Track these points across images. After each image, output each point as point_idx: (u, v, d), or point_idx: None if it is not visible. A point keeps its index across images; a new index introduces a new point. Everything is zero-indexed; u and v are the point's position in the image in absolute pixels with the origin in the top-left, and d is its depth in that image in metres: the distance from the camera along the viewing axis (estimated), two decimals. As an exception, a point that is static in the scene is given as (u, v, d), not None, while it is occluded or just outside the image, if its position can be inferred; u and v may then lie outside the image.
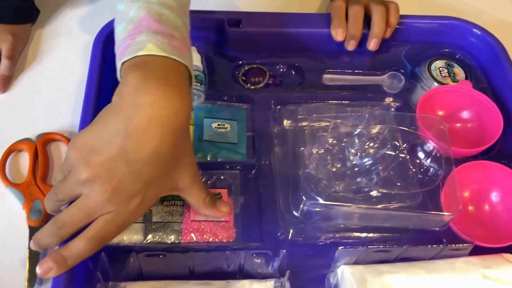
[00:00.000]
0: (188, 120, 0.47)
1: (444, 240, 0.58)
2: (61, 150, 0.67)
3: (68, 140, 0.67)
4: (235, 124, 0.64)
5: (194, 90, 0.65)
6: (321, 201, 0.53)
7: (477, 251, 0.57)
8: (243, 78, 0.69)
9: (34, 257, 0.57)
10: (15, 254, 0.57)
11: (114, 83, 0.50)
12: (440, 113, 0.69)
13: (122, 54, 0.47)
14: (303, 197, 0.54)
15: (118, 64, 0.48)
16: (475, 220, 0.62)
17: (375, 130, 0.60)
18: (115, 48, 0.50)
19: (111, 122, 0.44)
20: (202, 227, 0.55)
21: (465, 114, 0.69)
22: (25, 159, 0.66)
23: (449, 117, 0.68)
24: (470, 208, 0.63)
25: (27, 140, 0.66)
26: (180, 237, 0.54)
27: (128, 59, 0.46)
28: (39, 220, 0.59)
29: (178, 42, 0.48)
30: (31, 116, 0.70)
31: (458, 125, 0.69)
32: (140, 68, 0.45)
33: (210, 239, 0.54)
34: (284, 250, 0.53)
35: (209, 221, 0.55)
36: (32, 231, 0.59)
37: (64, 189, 0.47)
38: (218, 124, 0.63)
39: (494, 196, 0.62)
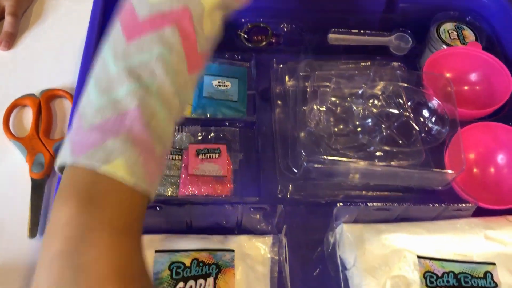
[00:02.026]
0: (143, 271, 0.36)
1: (447, 201, 0.57)
2: (65, 106, 0.67)
3: (71, 96, 0.66)
4: (236, 82, 0.63)
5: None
6: (321, 156, 0.52)
7: (481, 213, 0.56)
8: (246, 36, 0.68)
9: (36, 208, 0.57)
10: (18, 205, 0.58)
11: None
12: (448, 75, 0.67)
13: (79, 150, 0.36)
14: (303, 152, 0.53)
15: (67, 154, 0.36)
16: (479, 183, 0.60)
17: (379, 87, 0.58)
18: (75, 115, 0.39)
19: (49, 275, 0.32)
20: (200, 181, 0.54)
21: (473, 76, 0.67)
22: (28, 114, 0.66)
23: (457, 79, 0.66)
24: (475, 170, 0.61)
25: (31, 96, 0.67)
26: (177, 190, 0.53)
27: (80, 166, 0.35)
28: (41, 172, 0.59)
29: (155, 162, 0.37)
30: (35, 72, 0.70)
31: (466, 87, 0.67)
32: (85, 204, 0.34)
33: (208, 193, 0.54)
34: (282, 205, 0.53)
35: (207, 176, 0.55)
36: (35, 183, 0.59)
37: None
38: (219, 82, 0.62)
39: (500, 159, 0.61)
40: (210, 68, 0.64)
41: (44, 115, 0.65)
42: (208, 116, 0.59)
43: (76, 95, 0.59)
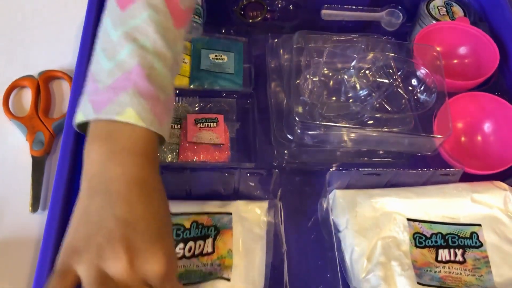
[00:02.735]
0: (161, 186, 0.43)
1: (435, 167, 0.59)
2: (63, 87, 0.69)
3: (69, 77, 0.68)
4: (232, 55, 0.65)
5: (193, 24, 0.66)
6: (315, 122, 0.54)
7: (468, 179, 0.59)
8: (241, 12, 0.70)
9: (37, 184, 0.59)
10: (20, 182, 0.60)
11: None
12: (438, 48, 0.69)
13: (99, 108, 0.43)
14: (297, 119, 0.55)
15: (90, 111, 0.43)
16: (467, 150, 0.63)
17: (369, 57, 0.60)
18: (90, 79, 0.45)
19: (92, 206, 0.40)
20: (199, 148, 0.56)
21: (462, 50, 0.69)
22: (27, 95, 0.67)
23: (446, 53, 0.68)
24: (463, 139, 0.64)
25: (29, 77, 0.68)
26: (177, 157, 0.55)
27: (102, 119, 0.42)
28: (42, 150, 0.61)
29: (160, 107, 0.44)
30: (33, 54, 0.71)
31: (455, 61, 0.69)
32: (108, 140, 0.42)
33: (206, 159, 0.56)
34: (277, 170, 0.55)
35: (205, 144, 0.57)
36: (35, 160, 0.61)
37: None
38: (216, 55, 0.64)
39: (487, 127, 0.63)
40: (207, 42, 0.65)
41: (43, 96, 0.67)
42: (206, 87, 0.61)
43: (76, 73, 0.60)
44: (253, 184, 0.58)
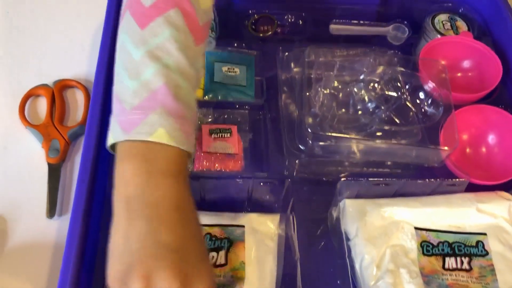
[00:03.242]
0: (194, 207, 0.44)
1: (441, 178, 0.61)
2: (77, 96, 0.71)
3: (83, 86, 0.70)
4: (244, 68, 0.67)
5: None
6: (326, 133, 0.56)
7: (473, 189, 0.60)
8: (253, 26, 0.72)
9: (54, 190, 0.61)
10: (36, 188, 0.61)
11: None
12: (443, 63, 0.71)
13: (129, 128, 0.43)
14: (309, 130, 0.57)
15: (119, 133, 0.43)
16: (472, 161, 0.65)
17: (378, 71, 0.62)
18: (115, 100, 0.45)
19: (132, 230, 0.40)
20: (213, 158, 0.58)
21: (465, 64, 0.71)
22: (42, 103, 0.69)
23: (450, 67, 0.70)
24: (468, 150, 0.66)
25: (44, 86, 0.70)
26: (192, 166, 0.57)
27: (132, 140, 0.43)
28: (57, 157, 0.63)
29: (188, 125, 0.45)
30: (48, 63, 0.73)
31: (459, 74, 0.72)
32: (142, 161, 0.42)
33: (221, 169, 0.58)
34: (289, 179, 0.57)
35: (220, 153, 0.59)
36: (51, 167, 0.63)
37: None
38: (228, 68, 0.66)
39: (491, 139, 0.65)
40: (220, 55, 0.68)
41: (58, 104, 0.68)
42: (219, 99, 0.63)
43: (96, 83, 0.60)
44: (265, 195, 0.60)
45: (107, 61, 0.62)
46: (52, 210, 0.60)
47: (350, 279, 0.53)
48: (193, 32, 0.48)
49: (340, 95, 0.64)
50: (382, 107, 0.61)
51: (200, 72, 0.50)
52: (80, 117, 0.68)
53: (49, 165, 0.63)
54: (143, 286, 0.38)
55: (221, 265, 0.53)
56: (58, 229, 0.58)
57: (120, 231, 0.40)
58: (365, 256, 0.55)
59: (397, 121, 0.61)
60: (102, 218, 0.54)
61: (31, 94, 0.69)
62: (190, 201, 0.43)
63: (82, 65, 0.72)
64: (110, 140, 0.45)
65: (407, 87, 0.63)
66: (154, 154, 0.42)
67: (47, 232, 0.58)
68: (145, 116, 0.43)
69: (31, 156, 0.64)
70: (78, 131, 0.65)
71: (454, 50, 0.71)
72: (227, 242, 0.55)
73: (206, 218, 0.56)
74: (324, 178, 0.61)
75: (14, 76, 0.71)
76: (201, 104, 0.63)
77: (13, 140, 0.65)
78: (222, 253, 0.54)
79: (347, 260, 0.55)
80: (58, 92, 0.69)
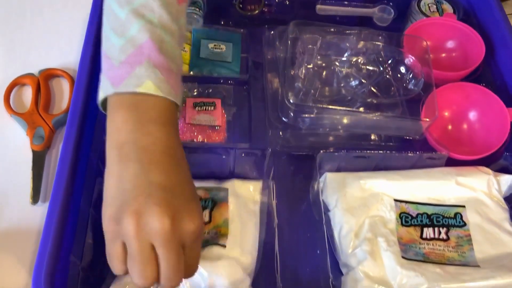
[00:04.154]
0: (184, 154, 0.45)
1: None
2: (62, 85, 0.71)
3: (69, 76, 0.70)
4: (230, 45, 0.68)
5: (194, 16, 0.70)
6: (309, 104, 0.57)
7: (454, 165, 0.61)
8: (240, 5, 0.73)
9: (38, 177, 0.62)
10: (20, 175, 0.62)
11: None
12: (424, 41, 0.72)
13: (117, 82, 0.45)
14: (291, 101, 0.58)
15: (108, 87, 0.45)
16: (453, 138, 0.65)
17: (360, 46, 0.63)
18: (104, 59, 0.47)
19: (125, 172, 0.41)
20: (197, 129, 0.59)
21: (449, 44, 0.72)
22: (28, 92, 0.70)
23: (435, 47, 0.72)
24: (449, 127, 0.66)
25: (30, 75, 0.70)
26: (175, 137, 0.58)
27: (121, 93, 0.44)
28: (42, 144, 0.64)
29: (174, 78, 0.46)
30: (34, 53, 0.74)
31: (443, 54, 0.72)
32: (133, 110, 0.44)
33: (204, 140, 0.59)
34: (270, 150, 0.58)
35: (203, 125, 0.60)
36: (35, 154, 0.63)
37: (137, 256, 0.40)
38: (214, 45, 0.67)
39: (472, 116, 0.66)
40: (207, 33, 0.69)
41: (43, 93, 0.69)
42: (204, 74, 0.64)
43: (80, 71, 0.60)
44: (247, 166, 0.61)
45: (92, 50, 0.61)
46: (35, 196, 0.60)
47: (327, 248, 0.54)
48: None
49: (324, 71, 0.65)
50: (364, 81, 0.62)
51: (184, 29, 0.52)
52: (65, 105, 0.68)
53: (34, 152, 0.63)
54: (135, 221, 0.39)
55: (205, 223, 0.54)
56: (41, 215, 0.59)
57: (113, 174, 0.42)
58: (344, 225, 0.56)
59: (379, 95, 0.62)
60: (78, 222, 0.54)
61: (16, 83, 0.70)
62: (180, 148, 0.44)
63: (69, 55, 0.73)
64: (100, 95, 0.46)
65: (389, 62, 0.64)
66: (143, 103, 0.44)
67: (31, 218, 0.59)
68: (132, 69, 0.44)
69: (16, 143, 0.65)
70: (62, 119, 0.66)
71: (438, 31, 0.71)
72: (211, 202, 0.56)
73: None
74: (306, 152, 0.62)
75: (0, 66, 0.72)
76: (186, 79, 0.64)
77: (-3, 128, 0.66)
78: (206, 211, 0.55)
79: (326, 230, 0.56)
80: (43, 81, 0.70)
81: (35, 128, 0.65)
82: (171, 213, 0.40)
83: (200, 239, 0.43)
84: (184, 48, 0.67)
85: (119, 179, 0.41)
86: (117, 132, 0.43)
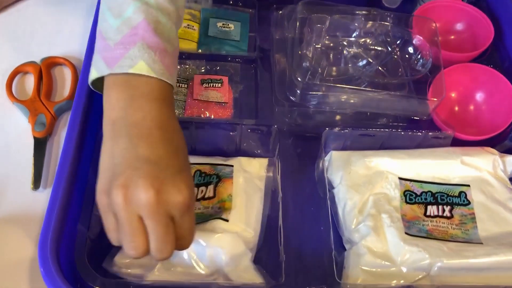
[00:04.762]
0: (179, 127, 0.47)
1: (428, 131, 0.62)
2: (64, 73, 0.72)
3: (71, 64, 0.70)
4: (239, 25, 0.69)
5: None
6: (316, 82, 0.58)
7: (461, 145, 0.61)
8: (249, -15, 0.74)
9: (39, 163, 0.62)
10: (22, 161, 0.62)
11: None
12: (433, 22, 0.72)
13: (112, 63, 0.46)
14: (299, 79, 0.58)
15: (103, 68, 0.46)
16: (460, 119, 0.66)
17: (369, 25, 0.63)
18: (99, 38, 0.48)
19: (115, 148, 0.43)
20: (203, 105, 0.60)
21: (458, 26, 0.72)
22: (30, 80, 0.70)
23: (443, 29, 0.72)
24: (456, 108, 0.67)
25: (32, 63, 0.70)
26: (183, 112, 0.59)
27: (116, 74, 0.45)
28: (43, 131, 0.64)
29: (169, 58, 0.47)
30: (36, 41, 0.74)
31: (452, 37, 0.73)
32: (126, 88, 0.45)
33: (211, 116, 0.59)
34: (276, 127, 0.58)
35: (210, 102, 0.60)
36: (37, 141, 0.64)
37: (126, 228, 0.42)
38: (223, 24, 0.68)
39: (479, 97, 0.66)
40: (216, 12, 0.69)
41: (45, 80, 0.69)
42: (212, 51, 0.65)
43: (86, 57, 0.61)
44: (254, 143, 0.61)
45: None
46: (37, 182, 0.61)
47: (331, 224, 0.55)
48: None
49: (332, 51, 0.65)
50: (372, 61, 0.62)
51: (182, 10, 0.52)
52: (67, 93, 0.69)
53: (35, 139, 0.64)
54: (122, 194, 0.40)
55: (209, 198, 0.55)
56: (42, 200, 0.60)
57: (106, 150, 0.43)
58: (348, 201, 0.57)
59: (387, 75, 0.62)
60: (85, 192, 0.54)
61: (18, 71, 0.70)
62: (172, 122, 0.45)
63: (71, 44, 0.73)
64: (93, 74, 0.47)
65: (398, 43, 0.64)
66: (135, 82, 0.45)
67: (33, 204, 0.59)
68: (126, 50, 0.45)
69: (18, 130, 0.65)
70: (64, 106, 0.66)
71: (447, 13, 0.71)
72: (216, 177, 0.57)
73: (197, 158, 0.59)
74: (312, 130, 0.62)
75: (3, 54, 0.72)
76: (194, 56, 0.65)
77: (0, 115, 0.66)
78: (211, 187, 0.56)
79: (331, 206, 0.57)
80: (45, 69, 0.70)
81: (37, 115, 0.66)
82: (156, 185, 0.41)
83: (192, 211, 0.44)
84: (193, 26, 0.67)
85: (111, 154, 0.43)
86: (111, 110, 0.45)
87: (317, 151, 0.61)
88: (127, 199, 0.40)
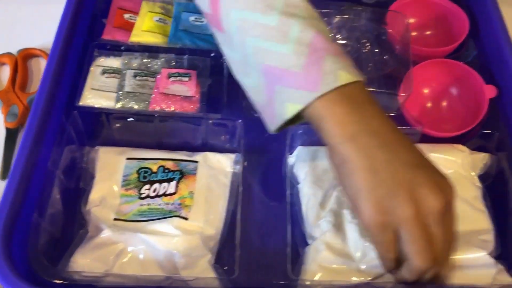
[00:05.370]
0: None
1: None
2: (41, 65, 0.72)
3: (47, 55, 0.68)
4: (212, 19, 0.68)
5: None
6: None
7: (432, 142, 0.60)
8: (224, -21, 0.73)
9: (8, 153, 0.63)
10: None
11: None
12: (411, 20, 0.71)
13: (314, 86, 0.43)
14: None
15: (306, 95, 0.43)
16: (433, 116, 0.65)
17: (340, 20, 0.63)
18: (276, 73, 0.45)
19: (375, 163, 0.41)
20: (169, 99, 0.60)
21: (434, 21, 0.71)
22: (6, 71, 0.71)
23: (420, 24, 0.71)
24: (429, 104, 0.66)
25: (8, 54, 0.71)
26: (148, 106, 0.59)
27: (322, 95, 0.43)
28: (15, 122, 0.65)
29: (348, 57, 0.46)
30: (14, 32, 0.74)
31: (428, 32, 0.72)
32: (346, 101, 0.43)
33: (176, 110, 0.59)
34: (241, 121, 0.58)
35: (177, 95, 0.60)
36: (9, 131, 0.65)
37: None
38: (195, 18, 0.67)
39: (452, 93, 0.65)
40: (189, 6, 0.69)
41: (20, 71, 0.70)
42: (182, 46, 0.65)
43: (53, 48, 0.59)
44: (220, 138, 0.61)
45: (67, 29, 0.61)
46: (5, 172, 0.62)
47: (290, 219, 0.55)
48: None
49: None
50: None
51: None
52: None
53: (7, 129, 0.65)
54: (412, 206, 0.40)
55: (170, 194, 0.55)
56: None
57: (361, 168, 0.41)
58: (311, 197, 0.56)
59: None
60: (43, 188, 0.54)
61: None
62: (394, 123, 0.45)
63: (49, 36, 0.69)
64: (293, 109, 0.44)
65: (369, 38, 0.64)
66: (349, 93, 0.44)
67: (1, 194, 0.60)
68: (320, 67, 0.43)
69: None
70: None
71: (423, 8, 0.71)
72: (179, 173, 0.57)
73: (161, 153, 0.59)
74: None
75: None
76: (164, 50, 0.64)
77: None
78: (173, 183, 0.56)
79: (295, 201, 0.56)
80: (21, 60, 0.71)
81: (10, 106, 0.66)
82: (438, 189, 0.41)
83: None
84: (166, 20, 0.67)
85: (371, 171, 0.41)
86: (342, 127, 0.43)
87: (284, 145, 0.60)
88: (418, 210, 0.40)
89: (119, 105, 0.59)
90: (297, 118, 0.46)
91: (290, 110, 0.44)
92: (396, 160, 0.41)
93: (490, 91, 0.61)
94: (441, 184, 0.42)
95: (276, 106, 0.45)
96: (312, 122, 0.45)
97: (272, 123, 0.47)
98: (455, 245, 0.44)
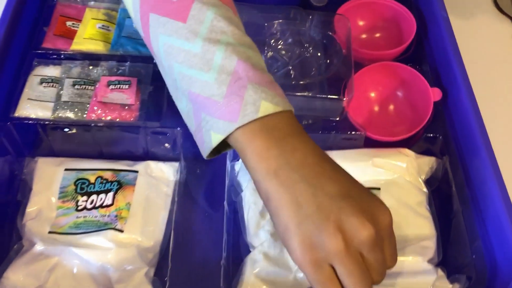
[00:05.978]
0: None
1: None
2: None
3: None
4: (157, 25, 0.67)
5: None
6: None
7: (379, 147, 0.59)
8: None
9: None
10: None
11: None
12: (361, 23, 0.71)
13: (234, 117, 0.41)
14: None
15: (226, 125, 0.42)
16: (380, 120, 0.64)
17: (283, 26, 0.62)
18: (199, 101, 0.43)
19: (297, 197, 0.40)
20: (108, 108, 0.58)
21: (383, 23, 0.71)
22: None
23: (369, 27, 0.71)
24: (376, 108, 0.65)
25: None
26: (85, 116, 0.58)
27: (244, 125, 0.41)
28: None
29: (276, 86, 0.44)
30: None
31: (377, 34, 0.71)
32: (266, 134, 0.41)
33: (114, 118, 0.58)
34: (179, 129, 0.57)
35: (116, 104, 0.59)
36: None
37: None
38: (140, 24, 0.66)
39: (398, 96, 0.64)
40: (133, 12, 0.68)
41: None
42: (125, 53, 0.63)
43: None
44: (162, 146, 0.60)
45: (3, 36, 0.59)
46: None
47: (224, 228, 0.54)
48: (226, 3, 0.47)
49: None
50: (285, 62, 0.61)
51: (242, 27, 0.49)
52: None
53: None
54: (340, 239, 0.38)
55: (107, 206, 0.54)
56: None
57: (285, 203, 0.40)
58: (252, 205, 0.55)
59: (300, 76, 0.61)
60: None
61: None
62: (325, 153, 0.43)
63: None
64: (216, 138, 0.43)
65: (312, 43, 0.63)
66: (272, 124, 0.42)
67: None
68: (241, 98, 0.42)
69: None
70: None
71: (372, 11, 0.70)
72: (117, 184, 0.56)
73: (100, 163, 0.57)
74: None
75: None
76: (106, 57, 0.63)
77: None
78: (110, 194, 0.55)
79: (238, 209, 0.56)
80: None
81: None
82: (368, 216, 0.39)
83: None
84: (109, 27, 0.66)
85: (295, 205, 0.40)
86: (265, 161, 0.41)
87: (227, 153, 0.59)
88: (347, 242, 0.39)
89: (55, 115, 0.57)
90: (228, 145, 0.45)
91: (214, 139, 0.43)
92: (321, 193, 0.40)
93: (435, 94, 0.60)
94: (372, 211, 0.41)
95: (204, 133, 0.44)
96: (238, 153, 0.43)
97: (202, 149, 0.45)
98: (394, 263, 0.43)
